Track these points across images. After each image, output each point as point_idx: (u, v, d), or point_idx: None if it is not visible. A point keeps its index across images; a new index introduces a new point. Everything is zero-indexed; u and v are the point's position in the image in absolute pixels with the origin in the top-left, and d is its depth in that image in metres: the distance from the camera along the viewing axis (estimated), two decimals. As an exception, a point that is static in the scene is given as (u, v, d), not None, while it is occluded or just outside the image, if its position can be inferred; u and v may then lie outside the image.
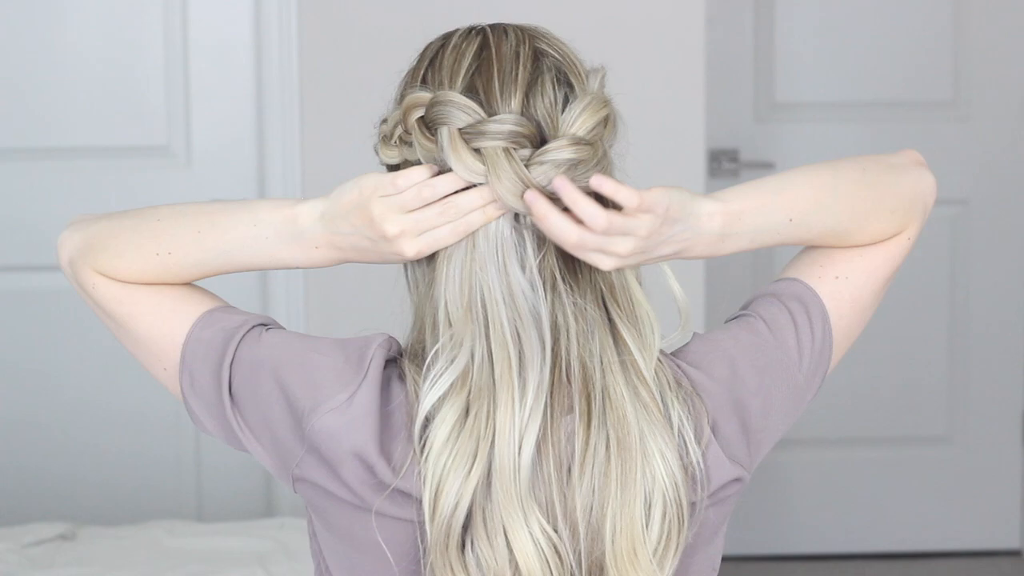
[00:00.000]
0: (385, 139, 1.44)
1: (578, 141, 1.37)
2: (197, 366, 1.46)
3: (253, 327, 1.46)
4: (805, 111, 4.11)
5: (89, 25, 3.52)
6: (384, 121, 1.45)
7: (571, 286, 1.40)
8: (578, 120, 1.38)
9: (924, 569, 4.20)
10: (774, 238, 1.47)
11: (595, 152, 1.38)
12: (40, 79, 3.52)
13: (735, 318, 1.53)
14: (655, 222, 1.37)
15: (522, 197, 1.36)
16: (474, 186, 1.38)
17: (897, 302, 4.18)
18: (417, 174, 1.39)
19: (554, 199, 1.36)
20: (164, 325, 1.49)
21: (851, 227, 1.51)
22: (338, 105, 3.50)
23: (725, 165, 4.02)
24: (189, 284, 1.51)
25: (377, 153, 1.46)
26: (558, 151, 1.37)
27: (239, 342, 1.45)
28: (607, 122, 1.40)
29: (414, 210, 1.38)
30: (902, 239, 1.55)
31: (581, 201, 1.35)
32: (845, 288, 1.53)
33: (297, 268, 1.48)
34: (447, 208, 1.38)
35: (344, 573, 1.45)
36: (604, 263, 1.37)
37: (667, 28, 3.52)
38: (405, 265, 1.47)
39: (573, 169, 1.37)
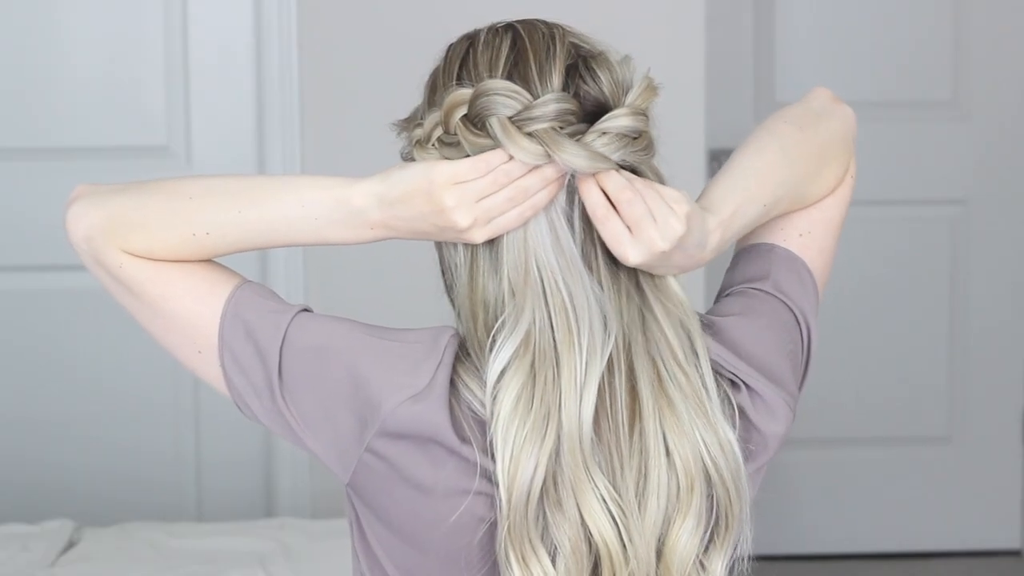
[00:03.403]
0: (421, 143, 1.44)
1: (638, 111, 1.40)
2: (238, 345, 1.44)
3: (300, 311, 1.46)
4: (805, 111, 4.11)
5: (89, 25, 3.52)
6: (418, 125, 1.45)
7: (612, 258, 1.43)
8: (639, 95, 1.42)
9: (924, 569, 4.20)
10: (753, 227, 1.52)
11: (648, 126, 1.41)
12: (40, 79, 3.52)
13: (727, 295, 1.56)
14: (686, 230, 1.41)
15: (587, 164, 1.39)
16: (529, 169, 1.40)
17: (897, 302, 4.18)
18: (496, 157, 1.39)
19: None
20: (201, 305, 1.46)
21: (810, 188, 1.55)
22: (338, 105, 3.50)
23: (724, 163, 4.01)
24: (213, 261, 1.50)
25: (407, 159, 1.45)
26: (620, 118, 1.39)
27: (288, 324, 1.44)
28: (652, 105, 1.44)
29: (484, 198, 1.39)
30: (847, 179, 1.60)
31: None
32: (811, 242, 1.57)
33: (341, 245, 1.47)
34: (517, 194, 1.39)
35: (402, 571, 1.45)
36: (631, 252, 1.40)
37: (667, 28, 3.52)
38: (443, 259, 1.48)
39: (633, 143, 1.40)
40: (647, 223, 1.40)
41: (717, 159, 4.00)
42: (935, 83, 4.13)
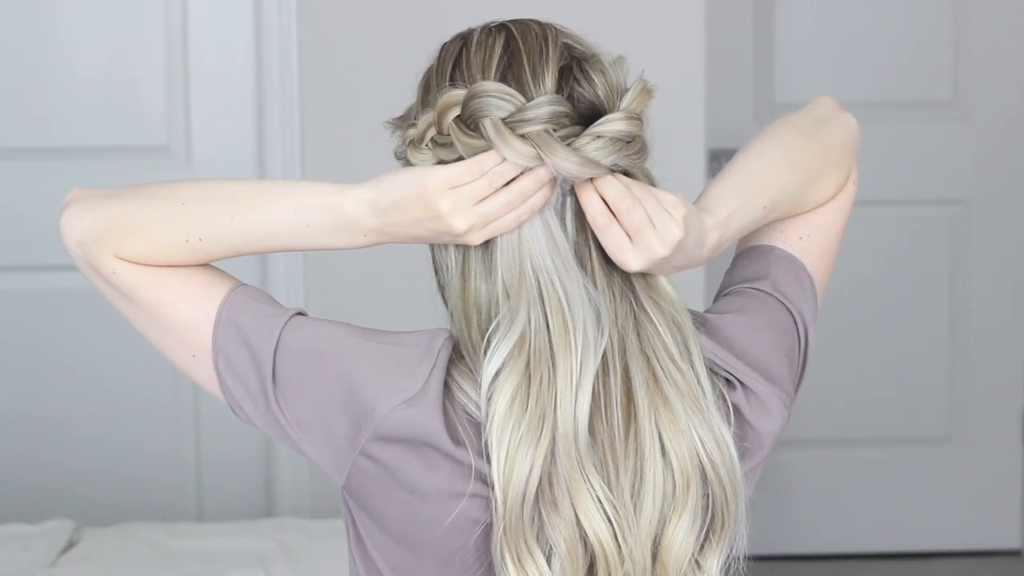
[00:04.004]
0: (414, 143, 1.44)
1: (633, 115, 1.40)
2: (232, 349, 1.44)
3: (294, 315, 1.45)
4: (805, 111, 4.10)
5: (89, 25, 3.52)
6: (412, 124, 1.45)
7: (605, 258, 1.43)
8: (635, 99, 1.41)
9: (924, 569, 4.20)
10: (753, 228, 1.53)
11: (643, 130, 1.41)
12: (40, 79, 3.52)
13: (726, 295, 1.57)
14: (684, 234, 1.41)
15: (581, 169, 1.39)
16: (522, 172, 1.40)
17: (897, 302, 4.18)
18: (490, 160, 1.39)
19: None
20: (196, 310, 1.46)
21: (810, 192, 1.56)
22: (338, 105, 3.50)
23: (725, 165, 4.01)
24: (209, 264, 1.49)
25: (400, 158, 1.46)
26: (615, 122, 1.39)
27: (282, 328, 1.44)
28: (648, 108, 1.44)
29: (480, 201, 1.39)
30: (849, 186, 1.61)
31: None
32: (811, 245, 1.58)
33: (336, 250, 1.47)
34: (513, 198, 1.39)
35: (398, 573, 1.45)
36: (632, 259, 1.40)
37: (667, 28, 3.52)
38: (435, 259, 1.48)
39: (626, 147, 1.40)
40: (647, 230, 1.40)
41: (717, 159, 4.00)
42: (935, 83, 4.13)
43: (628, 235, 1.40)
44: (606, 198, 1.40)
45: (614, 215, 1.41)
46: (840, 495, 4.24)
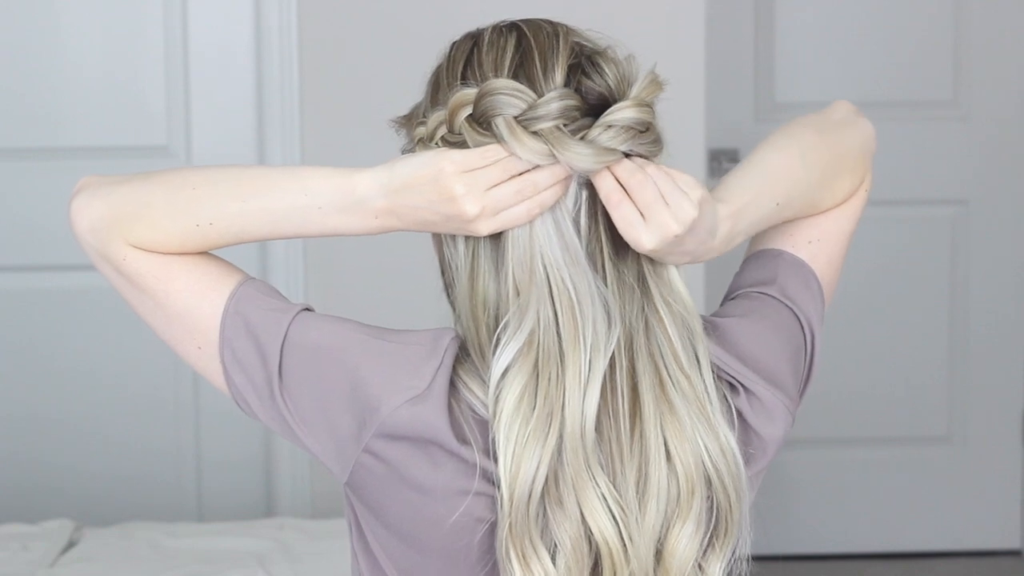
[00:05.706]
0: (423, 142, 1.44)
1: (643, 103, 1.40)
2: (239, 342, 1.44)
3: (301, 310, 1.45)
4: (805, 111, 4.09)
5: (89, 25, 3.52)
6: (421, 123, 1.45)
7: (617, 257, 1.43)
8: (644, 88, 1.41)
9: (924, 569, 4.20)
10: (765, 225, 1.52)
11: (654, 119, 1.41)
12: (40, 79, 3.52)
13: (733, 298, 1.56)
14: (699, 214, 1.41)
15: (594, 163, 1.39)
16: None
17: (897, 302, 4.19)
18: (500, 150, 1.39)
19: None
20: (203, 301, 1.46)
21: (823, 193, 1.55)
22: (338, 105, 3.50)
23: (725, 165, 4.02)
24: (215, 255, 1.49)
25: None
26: (625, 110, 1.39)
27: (289, 324, 1.44)
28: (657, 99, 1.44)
29: (492, 187, 1.39)
30: (860, 192, 1.61)
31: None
32: (820, 250, 1.58)
33: (347, 235, 1.46)
34: (525, 187, 1.39)
35: (401, 571, 1.45)
36: (645, 237, 1.39)
37: (667, 28, 3.52)
38: (443, 258, 1.48)
39: (640, 135, 1.40)
40: (659, 206, 1.39)
41: (717, 159, 4.00)
42: (935, 83, 4.13)
43: (641, 214, 1.40)
44: (617, 176, 1.40)
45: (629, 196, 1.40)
46: (840, 495, 4.24)
